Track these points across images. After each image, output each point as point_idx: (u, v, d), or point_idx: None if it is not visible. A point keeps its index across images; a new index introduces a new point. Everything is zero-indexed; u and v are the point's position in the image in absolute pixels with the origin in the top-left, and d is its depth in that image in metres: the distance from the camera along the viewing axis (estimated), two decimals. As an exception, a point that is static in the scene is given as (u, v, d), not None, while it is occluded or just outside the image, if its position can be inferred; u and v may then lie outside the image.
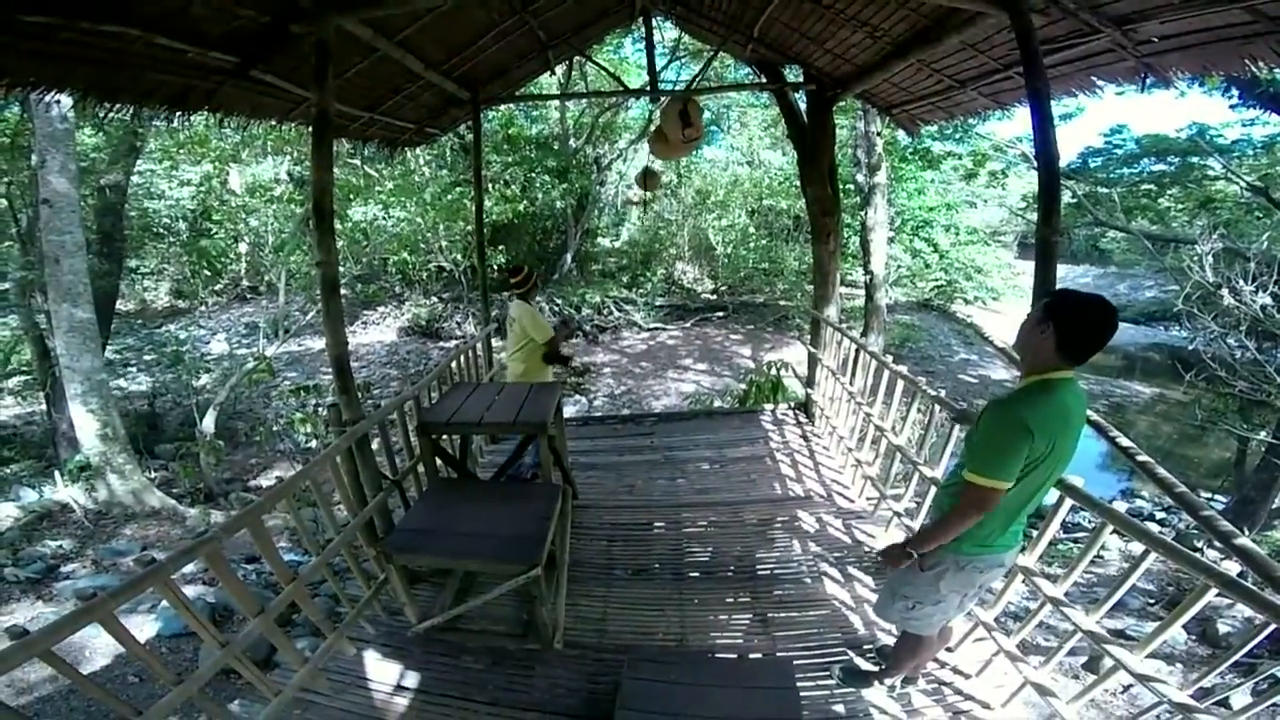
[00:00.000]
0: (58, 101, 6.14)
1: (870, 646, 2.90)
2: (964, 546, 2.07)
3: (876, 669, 2.71)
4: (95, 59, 2.75)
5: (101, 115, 3.14)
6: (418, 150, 12.11)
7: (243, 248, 12.55)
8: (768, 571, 3.56)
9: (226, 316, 14.83)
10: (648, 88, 5.74)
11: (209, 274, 13.68)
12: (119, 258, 10.14)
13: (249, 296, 15.32)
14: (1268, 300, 7.31)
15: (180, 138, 10.00)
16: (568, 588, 3.35)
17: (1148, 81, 3.26)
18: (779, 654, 2.89)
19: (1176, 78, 3.20)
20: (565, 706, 2.62)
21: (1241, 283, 7.53)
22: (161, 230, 14.36)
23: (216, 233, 12.16)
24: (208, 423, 8.43)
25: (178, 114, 3.42)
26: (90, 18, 2.45)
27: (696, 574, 3.60)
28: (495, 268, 12.01)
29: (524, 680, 2.77)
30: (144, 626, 4.56)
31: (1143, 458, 2.15)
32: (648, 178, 6.50)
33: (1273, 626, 1.74)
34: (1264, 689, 3.04)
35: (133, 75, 3.00)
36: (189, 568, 5.44)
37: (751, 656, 2.92)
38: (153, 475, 7.94)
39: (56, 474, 7.31)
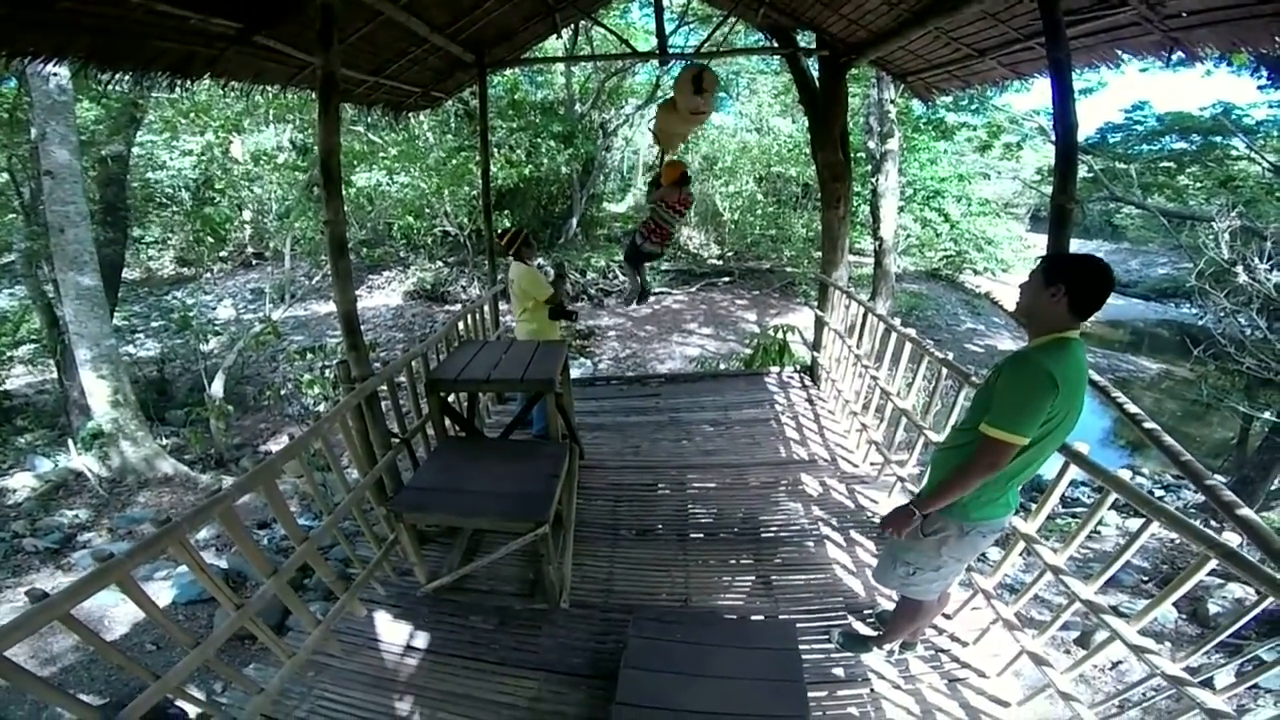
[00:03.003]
0: (55, 73, 6.07)
1: (870, 611, 2.96)
2: (970, 513, 2.07)
3: (875, 634, 2.76)
4: (95, 27, 2.71)
5: (102, 85, 3.10)
6: (421, 116, 11.97)
7: (246, 215, 12.53)
8: (771, 534, 3.61)
9: (232, 283, 14.86)
10: (656, 52, 5.63)
11: (213, 241, 13.67)
12: (123, 227, 10.13)
13: (254, 263, 15.33)
14: (1281, 278, 7.25)
15: (182, 107, 9.89)
16: (574, 548, 3.41)
17: (1174, 57, 3.17)
18: (781, 616, 2.95)
19: (1204, 54, 3.11)
20: (571, 665, 2.69)
21: (1257, 261, 7.46)
22: (164, 199, 14.33)
23: (220, 201, 12.12)
24: (216, 387, 8.50)
25: (180, 81, 3.37)
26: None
27: (700, 535, 3.66)
28: (500, 231, 11.98)
29: (531, 640, 2.84)
30: (159, 594, 4.66)
31: (1149, 425, 2.15)
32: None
33: (1266, 603, 1.75)
34: (1248, 670, 3.08)
35: (133, 43, 2.95)
36: (201, 534, 5.57)
37: (754, 618, 2.99)
38: (164, 442, 8.04)
39: (70, 442, 7.41)
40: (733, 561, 3.41)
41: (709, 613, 3.04)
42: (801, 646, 2.55)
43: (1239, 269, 7.63)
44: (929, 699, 2.50)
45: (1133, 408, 2.25)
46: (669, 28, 6.12)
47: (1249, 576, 1.81)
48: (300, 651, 2.56)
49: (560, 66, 14.34)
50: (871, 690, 2.54)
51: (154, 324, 12.43)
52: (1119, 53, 3.46)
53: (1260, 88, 9.42)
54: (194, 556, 2.06)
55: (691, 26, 12.58)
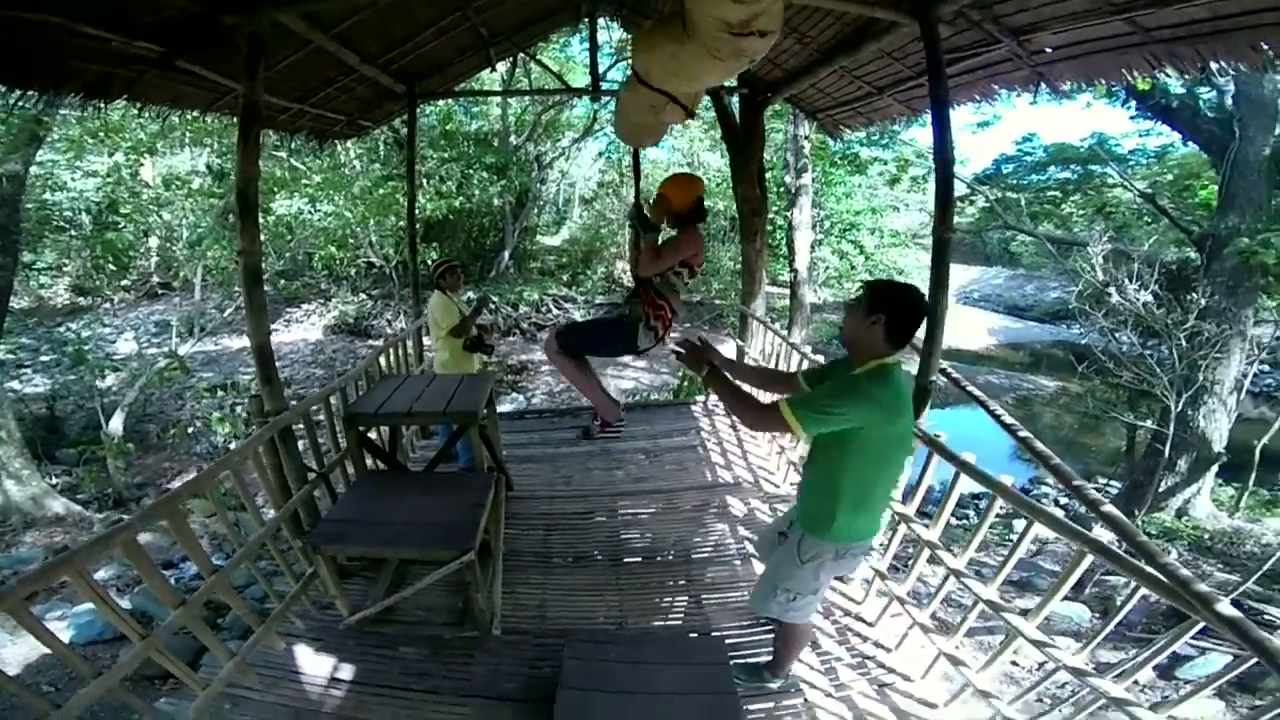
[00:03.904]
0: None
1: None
2: (840, 535, 2.14)
3: (767, 662, 2.70)
4: (7, 45, 2.57)
5: (8, 103, 2.91)
6: (348, 143, 11.75)
7: (153, 242, 11.77)
8: (702, 555, 3.68)
9: (135, 314, 13.86)
10: (590, 87, 5.79)
11: (114, 269, 12.75)
12: (14, 251, 9.31)
13: (160, 293, 14.39)
14: (1149, 298, 8.05)
15: (91, 126, 9.29)
16: (505, 576, 3.36)
17: (1041, 89, 3.53)
18: (713, 633, 3.00)
19: (1067, 86, 3.49)
20: (506, 691, 2.65)
21: (1127, 282, 8.27)
22: (63, 223, 13.27)
23: (124, 226, 11.38)
24: (115, 424, 7.91)
25: (93, 103, 3.22)
26: (13, 5, 2.31)
27: (634, 559, 3.69)
28: (428, 264, 11.82)
29: (463, 668, 2.78)
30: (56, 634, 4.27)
31: (1024, 434, 2.36)
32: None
33: (1142, 591, 1.90)
34: (1138, 659, 3.33)
35: (49, 63, 2.81)
36: (100, 574, 5.14)
37: (689, 635, 3.03)
38: (54, 481, 7.38)
39: (-59, 483, 6.68)
40: (669, 583, 3.45)
41: (643, 633, 3.06)
42: (734, 660, 2.61)
43: (1111, 290, 8.41)
44: (860, 705, 2.58)
45: (1008, 419, 2.45)
46: (604, 63, 6.28)
47: (1120, 569, 1.98)
48: (214, 683, 2.41)
49: (496, 98, 14.41)
50: (805, 700, 2.59)
51: (44, 358, 11.41)
52: (995, 87, 3.80)
53: (1131, 118, 10.21)
54: (94, 587, 1.93)
55: (628, 61, 12.92)
